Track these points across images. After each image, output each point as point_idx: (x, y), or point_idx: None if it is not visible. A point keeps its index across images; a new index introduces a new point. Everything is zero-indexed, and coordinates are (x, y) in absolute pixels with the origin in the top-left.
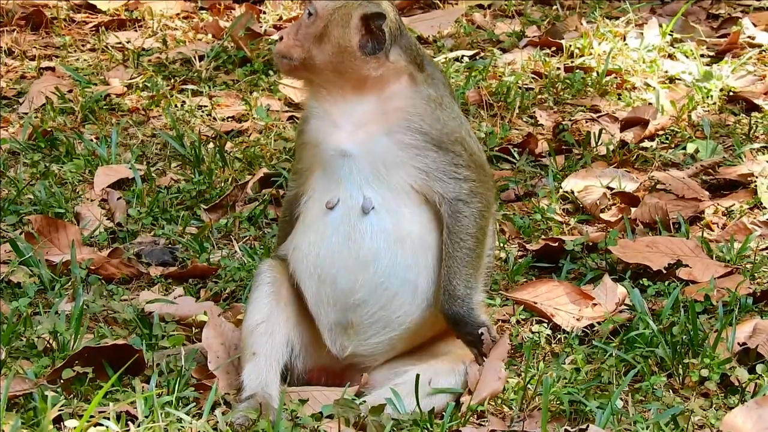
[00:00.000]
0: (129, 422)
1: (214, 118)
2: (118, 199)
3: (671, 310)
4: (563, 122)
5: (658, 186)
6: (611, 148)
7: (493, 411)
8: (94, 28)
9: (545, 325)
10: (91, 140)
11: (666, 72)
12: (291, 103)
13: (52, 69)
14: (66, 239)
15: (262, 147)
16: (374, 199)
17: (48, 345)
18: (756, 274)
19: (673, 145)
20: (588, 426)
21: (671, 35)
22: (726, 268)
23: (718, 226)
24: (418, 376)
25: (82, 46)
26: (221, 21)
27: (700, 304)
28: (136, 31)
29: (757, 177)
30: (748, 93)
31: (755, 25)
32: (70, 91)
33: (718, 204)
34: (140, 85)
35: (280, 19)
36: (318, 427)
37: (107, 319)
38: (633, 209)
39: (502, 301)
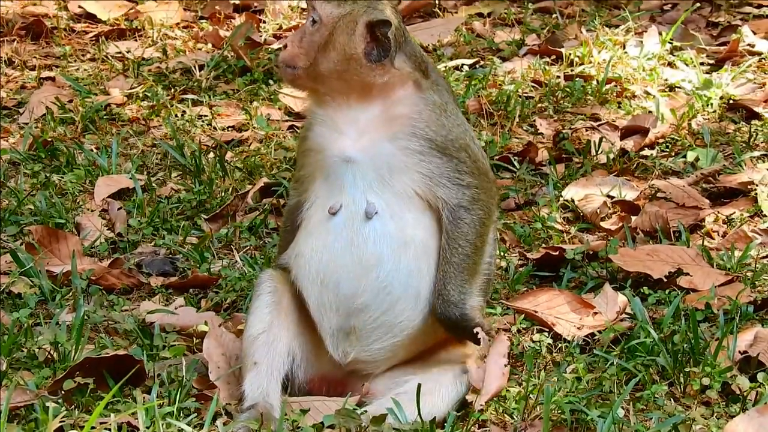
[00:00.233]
0: None
1: (215, 128)
2: (118, 209)
3: (672, 318)
4: (563, 131)
5: (659, 194)
6: (611, 156)
7: (494, 420)
8: (94, 38)
9: (546, 334)
10: (92, 150)
11: (666, 80)
12: (291, 112)
13: (53, 79)
14: (67, 250)
15: (262, 156)
16: (378, 204)
17: (49, 356)
18: (757, 282)
19: (673, 154)
20: None
21: (671, 43)
22: (727, 277)
23: (718, 235)
24: (419, 385)
25: (83, 55)
26: (221, 30)
27: (701, 312)
28: (136, 40)
29: (757, 185)
30: (748, 101)
31: (755, 33)
32: (71, 101)
33: (718, 212)
34: (140, 95)
35: (280, 28)
36: None
37: (108, 330)
38: (633, 218)
39: (502, 310)
